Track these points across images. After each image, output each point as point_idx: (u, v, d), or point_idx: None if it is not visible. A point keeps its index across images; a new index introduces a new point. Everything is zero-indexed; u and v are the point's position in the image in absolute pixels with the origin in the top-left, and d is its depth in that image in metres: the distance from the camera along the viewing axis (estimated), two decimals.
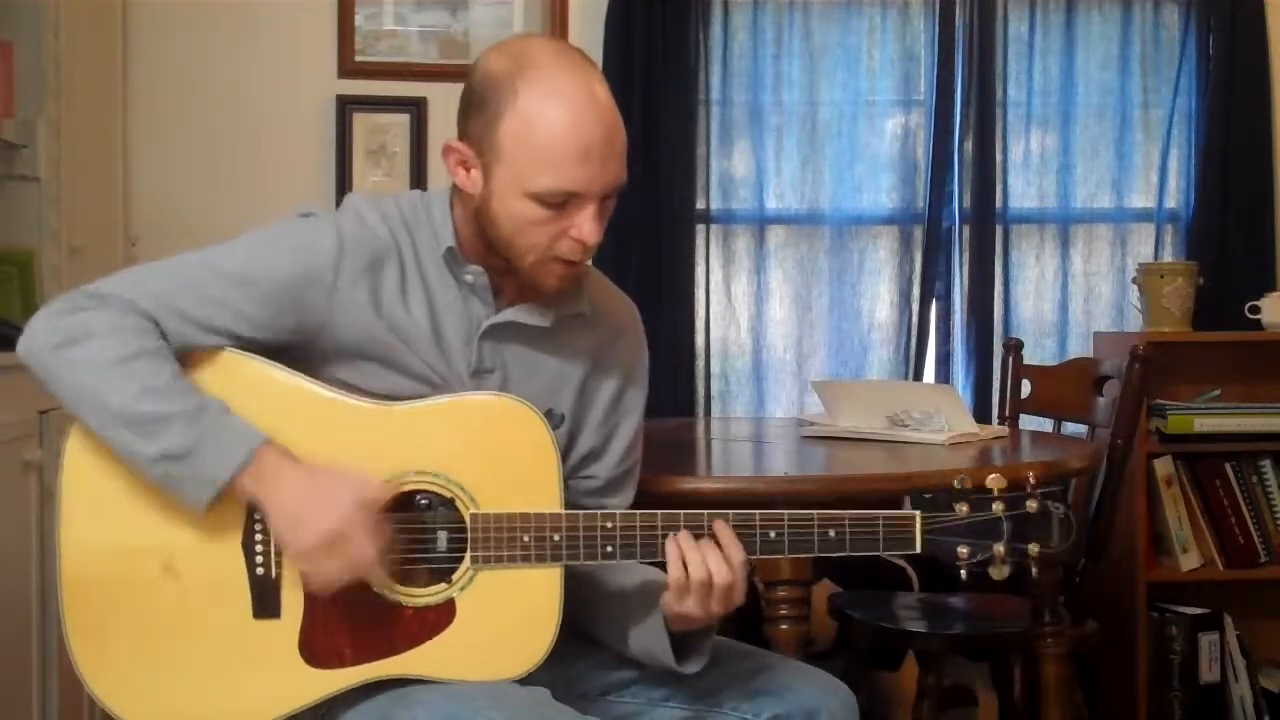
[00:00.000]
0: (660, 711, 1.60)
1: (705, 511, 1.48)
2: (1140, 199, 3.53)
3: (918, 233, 3.46)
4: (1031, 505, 1.49)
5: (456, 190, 1.56)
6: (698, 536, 1.46)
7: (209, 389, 1.45)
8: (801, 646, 1.99)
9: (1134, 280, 3.40)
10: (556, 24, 3.35)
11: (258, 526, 1.46)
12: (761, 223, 3.45)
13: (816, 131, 3.46)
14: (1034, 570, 1.52)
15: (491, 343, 1.57)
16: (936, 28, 3.43)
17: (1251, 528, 3.27)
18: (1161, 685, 3.22)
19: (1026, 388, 2.96)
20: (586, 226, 1.48)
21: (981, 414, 3.27)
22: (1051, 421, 2.95)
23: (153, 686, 1.45)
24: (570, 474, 1.65)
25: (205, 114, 3.33)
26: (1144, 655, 3.21)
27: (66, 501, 1.46)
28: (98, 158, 3.06)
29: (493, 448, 1.49)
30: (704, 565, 1.44)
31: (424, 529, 1.48)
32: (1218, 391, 3.33)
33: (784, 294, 3.48)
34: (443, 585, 1.47)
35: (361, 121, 3.37)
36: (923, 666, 2.82)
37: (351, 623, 1.45)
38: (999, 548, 1.48)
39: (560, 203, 1.47)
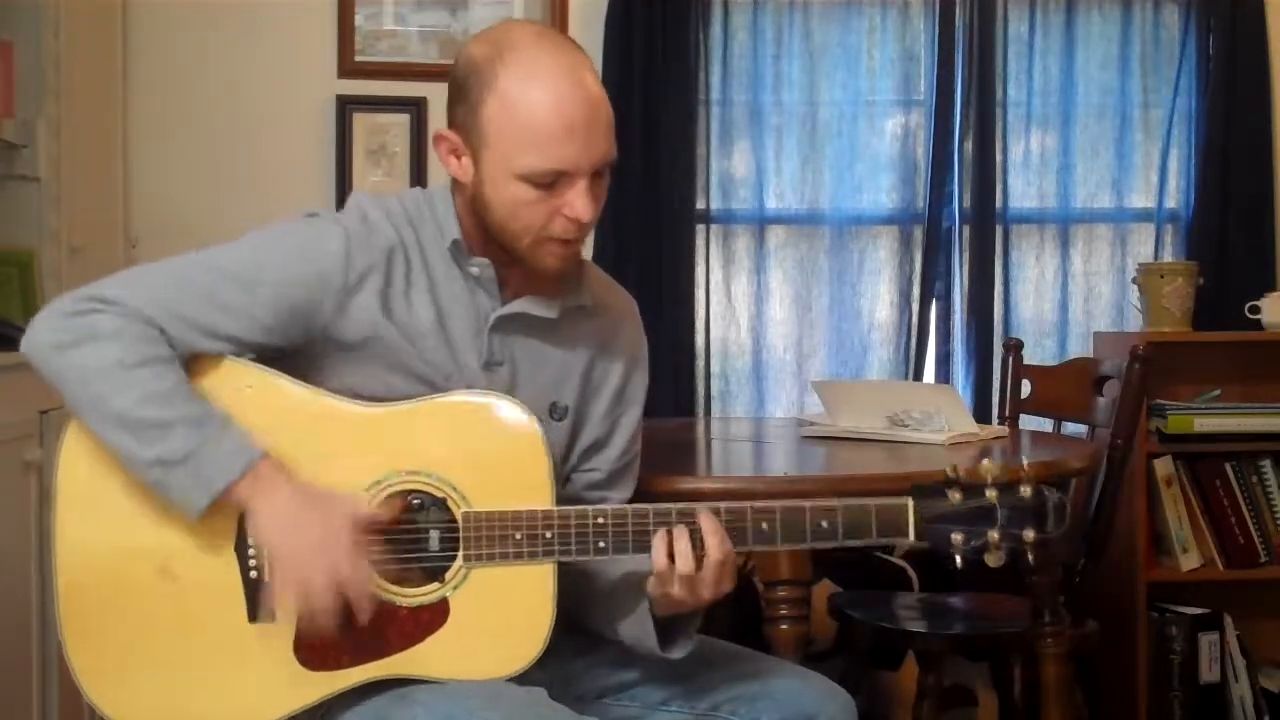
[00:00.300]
0: (659, 715, 1.60)
1: (697, 505, 1.48)
2: (1140, 199, 3.53)
3: (918, 233, 3.46)
4: (1025, 491, 1.48)
5: (456, 182, 1.56)
6: (691, 530, 1.46)
7: (206, 395, 1.45)
8: (801, 646, 1.99)
9: (1134, 280, 3.40)
10: (556, 24, 3.35)
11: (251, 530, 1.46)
12: (761, 223, 3.45)
13: (816, 131, 3.46)
14: (1030, 556, 1.50)
15: (500, 335, 1.57)
16: (936, 28, 3.43)
17: (1251, 528, 3.27)
18: (1161, 685, 3.22)
19: (1026, 388, 2.96)
20: (578, 203, 1.48)
21: (981, 414, 3.27)
22: (1051, 421, 2.95)
23: (148, 689, 1.45)
24: (573, 467, 1.65)
25: (205, 114, 3.33)
26: (1144, 655, 3.21)
27: (62, 505, 1.46)
28: (98, 158, 3.06)
29: (484, 447, 1.49)
30: (689, 556, 1.44)
31: (416, 529, 1.48)
32: (1218, 391, 3.33)
33: (784, 294, 3.48)
34: (436, 585, 1.47)
35: (361, 121, 3.37)
36: (923, 666, 2.82)
37: (346, 624, 1.45)
38: (993, 534, 1.48)
39: (550, 182, 1.47)
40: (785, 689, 1.58)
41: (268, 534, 1.42)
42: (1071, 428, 2.94)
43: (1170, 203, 3.52)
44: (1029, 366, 3.00)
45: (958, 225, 3.47)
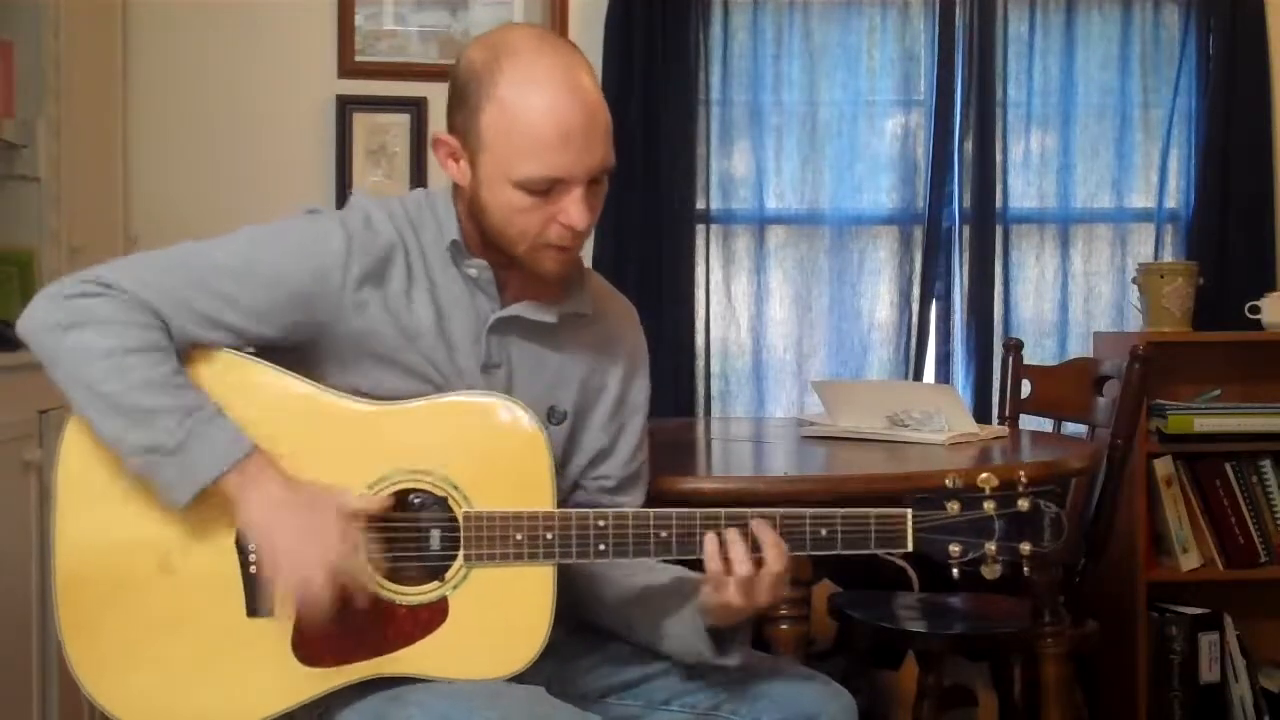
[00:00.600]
0: (660, 715, 1.60)
1: (698, 510, 1.48)
2: (1140, 199, 3.53)
3: (918, 233, 3.46)
4: (1023, 504, 1.49)
5: (457, 185, 1.56)
6: (742, 531, 1.46)
7: (205, 389, 1.45)
8: (801, 646, 1.99)
9: (1134, 280, 3.40)
10: (556, 24, 3.35)
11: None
12: (761, 223, 3.45)
13: (816, 131, 3.46)
14: (1026, 569, 1.51)
15: (498, 337, 1.57)
16: (936, 28, 3.43)
17: (1251, 528, 3.27)
18: (1161, 685, 3.22)
19: (1026, 388, 2.96)
20: (574, 211, 1.48)
21: (981, 414, 3.27)
22: (1051, 421, 2.95)
23: (146, 684, 1.45)
24: (581, 475, 1.66)
25: (205, 114, 3.34)
26: (1144, 655, 3.21)
27: (61, 499, 1.46)
28: (98, 158, 3.06)
29: (486, 447, 1.49)
30: (747, 560, 1.44)
31: (417, 527, 1.48)
32: (1218, 391, 3.33)
33: (784, 294, 3.48)
34: (436, 583, 1.47)
35: (361, 121, 3.37)
36: (923, 666, 2.82)
37: (344, 621, 1.45)
38: (990, 546, 1.48)
39: (546, 189, 1.47)
40: (786, 689, 1.58)
41: (257, 527, 1.42)
42: (1071, 428, 2.94)
43: (1170, 203, 3.52)
44: (1029, 366, 3.01)
45: (958, 225, 3.47)
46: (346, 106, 3.36)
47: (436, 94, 3.31)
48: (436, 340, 1.54)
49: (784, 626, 1.97)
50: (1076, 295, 3.51)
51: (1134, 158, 3.51)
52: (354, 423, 1.49)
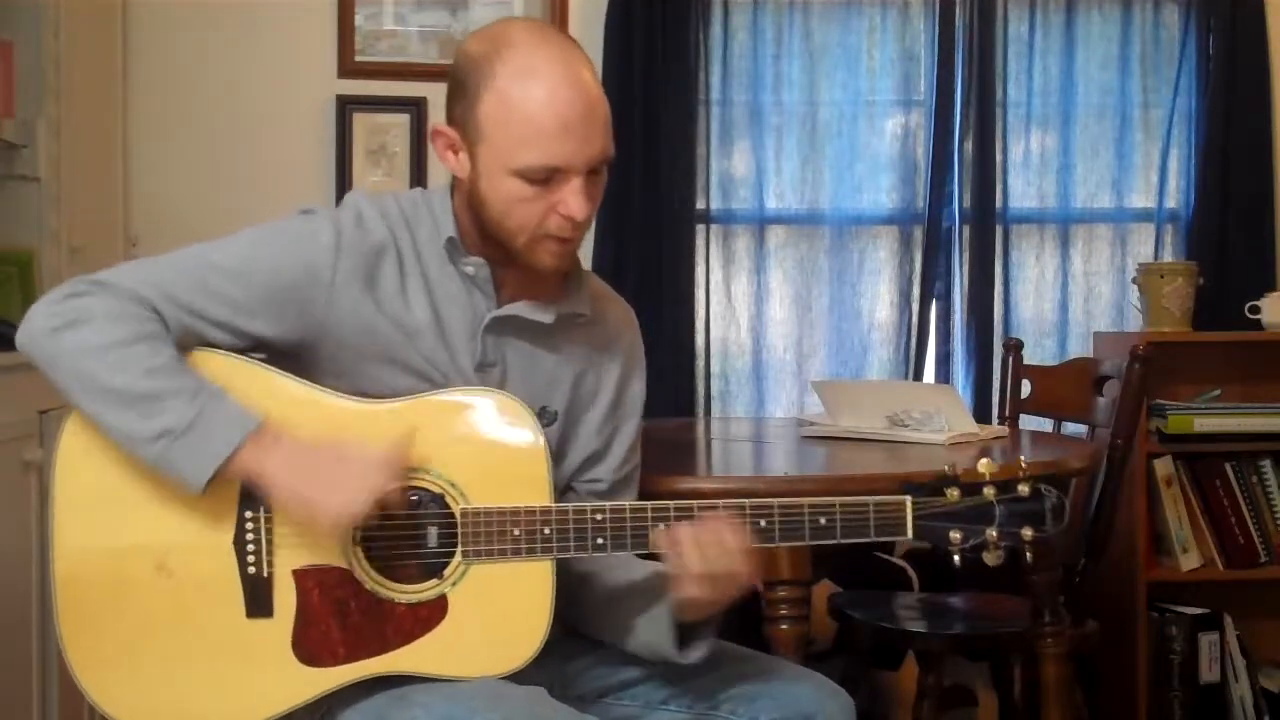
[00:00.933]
0: (659, 715, 1.60)
1: (694, 502, 1.47)
2: (1140, 199, 3.53)
3: (918, 233, 3.46)
4: (1023, 489, 1.49)
5: (455, 180, 1.56)
6: (702, 523, 1.44)
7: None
8: (801, 646, 1.99)
9: (1134, 280, 3.40)
10: (556, 24, 3.35)
11: (249, 525, 1.46)
12: (761, 223, 3.45)
13: (816, 131, 3.46)
14: (1028, 555, 1.50)
15: (493, 336, 1.57)
16: (936, 28, 3.44)
17: (1251, 528, 3.27)
18: (1161, 685, 3.22)
19: (1026, 388, 2.96)
20: (573, 201, 1.47)
21: (981, 414, 3.27)
22: (1051, 421, 2.95)
23: (146, 685, 1.45)
24: (573, 477, 1.65)
25: (205, 114, 3.34)
26: (1144, 655, 3.21)
27: (60, 502, 1.46)
28: (98, 158, 3.06)
29: (483, 443, 1.49)
30: (697, 551, 1.43)
31: (415, 525, 1.48)
32: (1218, 391, 3.33)
33: (784, 294, 3.48)
34: (434, 581, 1.47)
35: (361, 121, 3.37)
36: (923, 666, 2.82)
37: (344, 620, 1.45)
38: (991, 532, 1.48)
39: (545, 179, 1.47)
40: (785, 689, 1.58)
41: (287, 487, 1.41)
42: (1071, 428, 2.94)
43: (1170, 203, 3.52)
44: (1029, 366, 3.01)
45: (958, 225, 3.47)
46: (346, 106, 3.36)
47: (436, 94, 3.30)
48: (434, 337, 1.54)
49: (784, 626, 1.97)
50: (1076, 295, 3.51)
51: (1134, 158, 3.51)
52: (350, 421, 1.49)
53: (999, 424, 2.90)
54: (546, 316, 1.58)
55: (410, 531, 1.48)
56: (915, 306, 3.45)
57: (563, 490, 1.65)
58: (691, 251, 3.39)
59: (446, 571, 1.47)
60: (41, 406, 2.41)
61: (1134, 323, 3.45)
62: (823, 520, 1.48)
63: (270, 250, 1.50)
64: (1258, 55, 3.44)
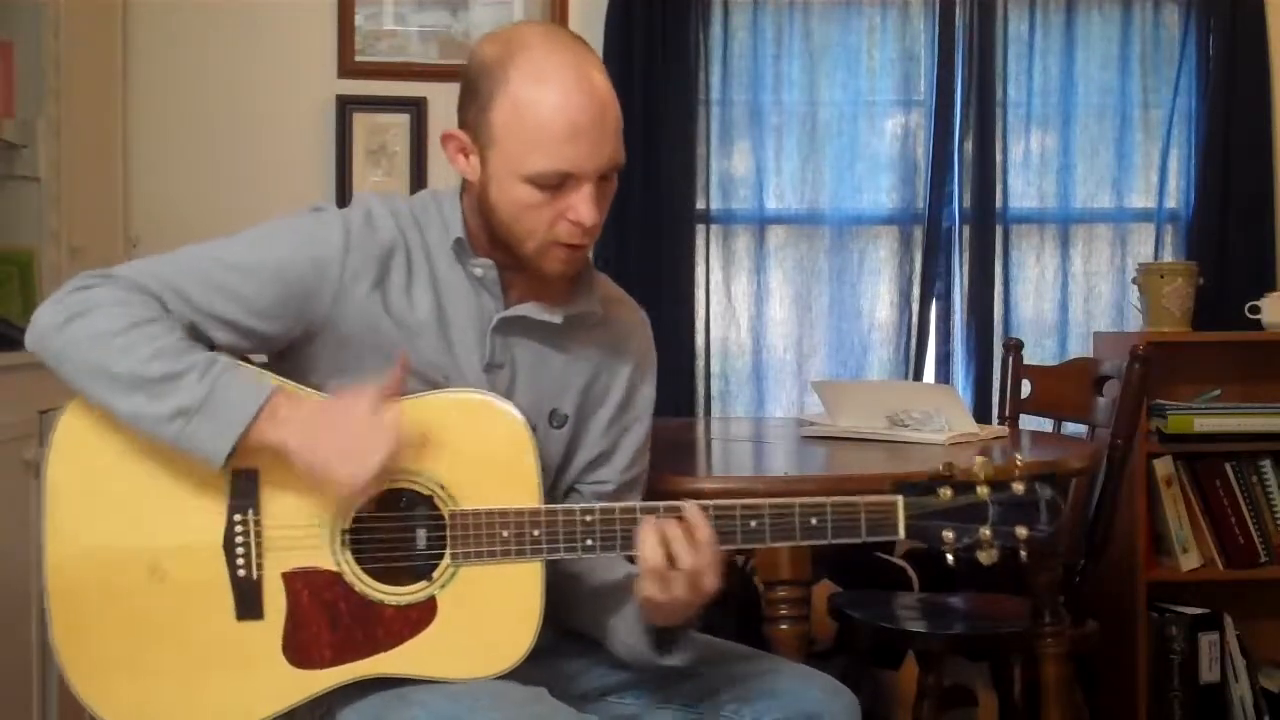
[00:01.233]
0: (660, 714, 1.60)
1: (684, 502, 1.46)
2: (1140, 199, 3.53)
3: (918, 233, 3.46)
4: (1018, 488, 1.47)
5: (465, 183, 1.56)
6: (668, 522, 1.43)
7: None
8: (802, 646, 1.99)
9: (1134, 280, 3.40)
10: (556, 24, 3.35)
11: (238, 528, 1.45)
12: (761, 223, 3.45)
13: (816, 131, 3.46)
14: (1023, 554, 1.48)
15: (501, 337, 1.57)
16: (936, 28, 3.44)
17: (1251, 528, 3.27)
18: (1161, 685, 3.22)
19: (1026, 388, 2.96)
20: (583, 208, 1.47)
21: (981, 414, 3.27)
22: (1051, 421, 2.95)
23: (138, 688, 1.45)
24: (579, 479, 1.65)
25: (205, 114, 3.34)
26: (1144, 655, 3.21)
27: (51, 504, 1.46)
28: (98, 158, 3.06)
29: (471, 445, 1.48)
30: (659, 548, 1.41)
31: (404, 527, 1.47)
32: (1218, 391, 3.33)
33: (784, 294, 3.48)
34: (424, 583, 1.47)
35: (361, 121, 3.37)
36: (923, 666, 2.82)
37: (334, 622, 1.45)
38: (985, 531, 1.46)
39: (555, 184, 1.47)
40: (789, 688, 1.57)
41: (301, 451, 1.40)
42: (1071, 428, 2.94)
43: (1170, 203, 3.52)
44: (1029, 366, 3.01)
45: (958, 225, 3.47)
46: (346, 106, 3.36)
47: (436, 94, 3.33)
48: (437, 338, 1.54)
49: (784, 626, 1.97)
50: (1076, 295, 3.51)
51: (1134, 158, 3.51)
52: None
53: (999, 424, 2.90)
54: (555, 317, 1.57)
55: (399, 534, 1.47)
56: (915, 306, 3.46)
57: (567, 492, 1.65)
58: (691, 251, 3.39)
59: (435, 573, 1.47)
60: (41, 406, 2.41)
61: (1134, 323, 3.45)
62: (814, 521, 1.46)
63: (280, 247, 1.50)
64: (1258, 55, 3.45)
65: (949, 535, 1.46)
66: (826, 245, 3.47)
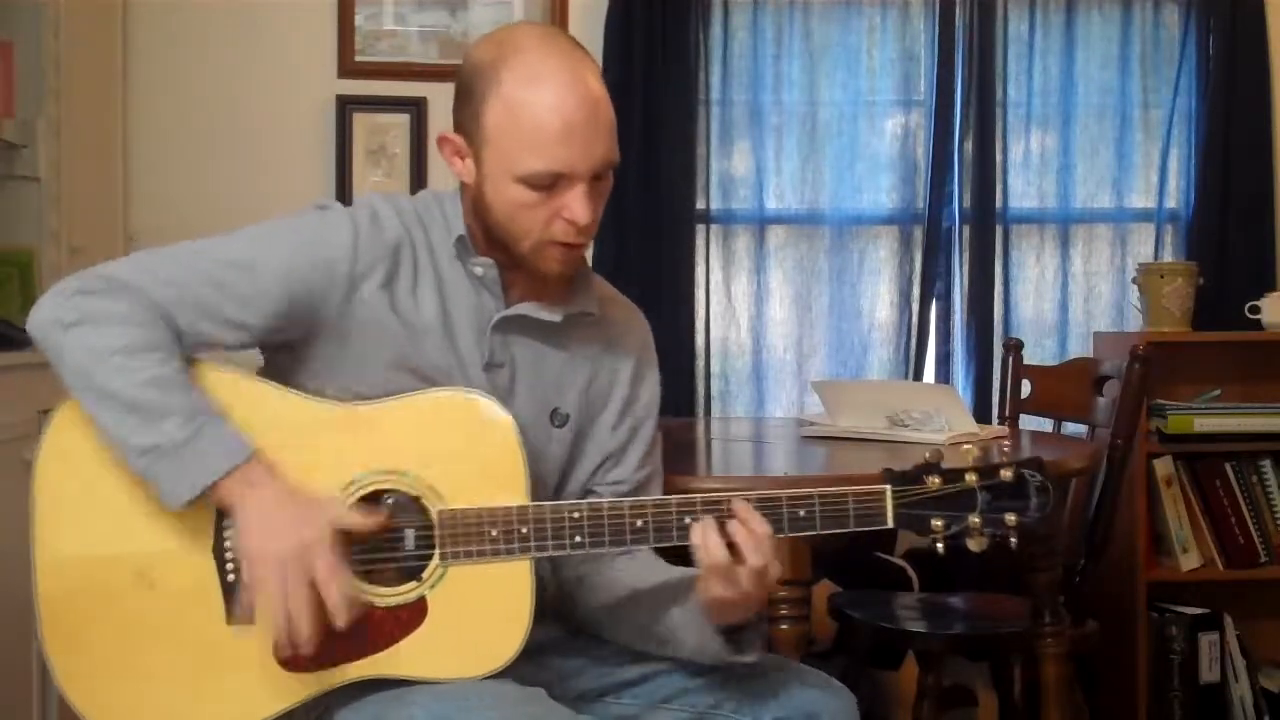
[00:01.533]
0: (659, 714, 1.60)
1: (674, 497, 1.46)
2: (1140, 199, 3.53)
3: (918, 233, 3.46)
4: (1006, 474, 1.46)
5: (463, 185, 1.56)
6: (723, 520, 1.42)
7: None
8: (802, 646, 1.99)
9: (1134, 280, 3.40)
10: (556, 24, 3.35)
11: (227, 534, 1.45)
12: (761, 223, 3.45)
13: (816, 131, 3.46)
14: (1013, 541, 1.46)
15: (501, 337, 1.57)
16: (936, 28, 3.44)
17: (1251, 528, 3.27)
18: (1161, 685, 3.22)
19: (1026, 388, 2.96)
20: (577, 207, 1.47)
21: (981, 414, 3.27)
22: (1051, 421, 2.95)
23: (130, 694, 1.44)
24: (592, 479, 1.65)
25: (205, 114, 3.34)
26: (1144, 655, 3.21)
27: (40, 510, 1.46)
28: (98, 158, 3.06)
29: (459, 444, 1.48)
30: (721, 546, 1.41)
31: (392, 529, 1.47)
32: (1218, 391, 3.33)
33: (784, 294, 3.48)
34: (413, 584, 1.46)
35: (361, 121, 3.37)
36: (923, 666, 2.82)
37: (324, 625, 1.44)
38: (974, 518, 1.46)
39: (549, 184, 1.47)
40: (788, 687, 1.57)
41: (245, 536, 1.40)
42: (1071, 428, 2.94)
43: (1170, 203, 3.52)
44: (1029, 366, 3.01)
45: (958, 225, 3.47)
46: (346, 106, 3.36)
47: (436, 94, 3.33)
48: (441, 337, 1.54)
49: (784, 626, 1.97)
50: (1076, 295, 3.51)
51: (1134, 158, 3.51)
52: (326, 422, 1.48)
53: (999, 424, 2.90)
54: (554, 315, 1.57)
55: (388, 535, 1.47)
56: (915, 306, 3.46)
57: (583, 493, 1.65)
58: (691, 252, 3.39)
59: (425, 574, 1.46)
60: (41, 406, 2.40)
61: (1134, 323, 3.45)
62: (801, 512, 1.45)
63: (288, 246, 1.50)
64: (1258, 55, 3.45)
65: (938, 523, 1.46)
66: (826, 245, 3.47)
